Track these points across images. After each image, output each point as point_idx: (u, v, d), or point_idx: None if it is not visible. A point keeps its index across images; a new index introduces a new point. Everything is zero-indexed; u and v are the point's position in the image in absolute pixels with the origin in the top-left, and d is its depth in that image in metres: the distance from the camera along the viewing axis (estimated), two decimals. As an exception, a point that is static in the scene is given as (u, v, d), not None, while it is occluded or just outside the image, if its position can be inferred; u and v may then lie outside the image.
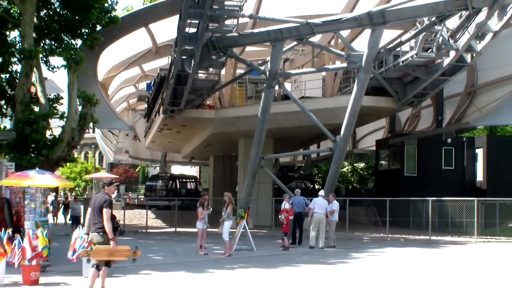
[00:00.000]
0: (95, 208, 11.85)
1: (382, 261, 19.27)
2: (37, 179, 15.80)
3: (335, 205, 24.24)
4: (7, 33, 25.82)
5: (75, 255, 14.68)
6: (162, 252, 21.78)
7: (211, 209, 22.03)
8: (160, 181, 58.11)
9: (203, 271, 16.12)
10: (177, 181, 55.73)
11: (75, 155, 38.33)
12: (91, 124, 27.80)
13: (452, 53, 28.64)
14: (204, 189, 52.58)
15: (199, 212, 20.99)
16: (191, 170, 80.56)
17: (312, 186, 47.36)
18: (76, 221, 30.86)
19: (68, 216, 38.51)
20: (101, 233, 11.67)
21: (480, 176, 37.93)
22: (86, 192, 76.11)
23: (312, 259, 19.52)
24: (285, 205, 23.94)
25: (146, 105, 49.44)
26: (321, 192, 24.52)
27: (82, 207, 31.90)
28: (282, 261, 18.93)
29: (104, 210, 11.63)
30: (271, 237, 28.08)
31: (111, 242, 11.57)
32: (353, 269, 17.03)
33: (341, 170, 44.35)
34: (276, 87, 31.69)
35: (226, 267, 17.23)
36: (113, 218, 29.90)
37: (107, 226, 11.58)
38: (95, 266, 11.74)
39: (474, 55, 28.98)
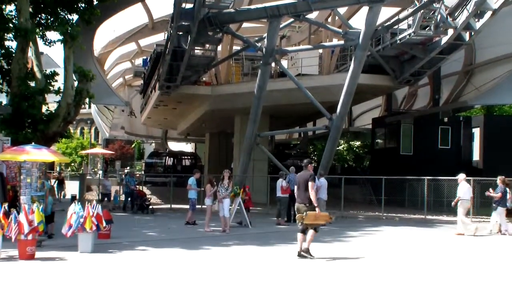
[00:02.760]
0: (302, 183, 14.28)
1: (379, 240, 19.31)
2: (33, 153, 15.80)
3: (321, 182, 24.07)
4: (3, 7, 25.56)
5: (71, 230, 14.70)
6: (157, 228, 21.82)
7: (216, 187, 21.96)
8: (160, 157, 58.45)
9: (198, 248, 16.15)
10: (177, 158, 56.09)
11: (71, 131, 38.25)
12: (87, 100, 27.69)
13: (450, 31, 28.52)
14: (197, 166, 52.65)
15: (207, 189, 21.24)
16: (187, 147, 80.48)
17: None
18: (105, 197, 31.04)
19: (62, 193, 38.44)
20: (308, 204, 14.08)
21: (476, 155, 37.93)
22: (82, 168, 75.95)
23: (307, 237, 19.52)
24: (282, 182, 23.93)
25: (142, 81, 49.26)
26: None
27: (110, 183, 32.02)
28: (277, 238, 18.98)
29: (309, 183, 14.05)
30: (266, 215, 28.13)
31: (316, 209, 14.07)
32: (350, 248, 17.05)
33: (337, 148, 44.35)
34: (273, 64, 31.58)
35: (222, 243, 17.25)
36: (143, 195, 29.69)
37: (312, 195, 13.97)
38: (301, 230, 14.26)
39: (472, 33, 28.86)
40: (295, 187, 14.91)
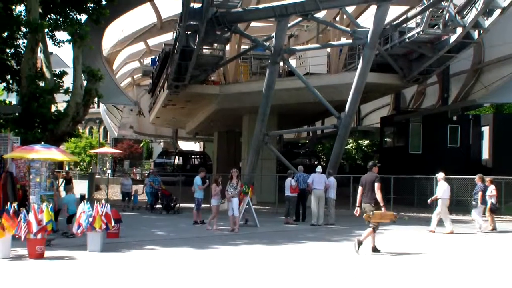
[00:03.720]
0: (368, 184, 15.21)
1: (388, 239, 19.23)
2: (42, 152, 15.86)
3: (330, 181, 24.12)
4: (13, 7, 25.69)
5: (80, 229, 14.75)
6: (166, 227, 21.85)
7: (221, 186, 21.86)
8: (170, 157, 58.69)
9: (207, 247, 16.16)
10: (187, 157, 56.30)
11: (80, 130, 38.37)
12: (95, 99, 27.75)
13: (459, 30, 28.41)
14: (207, 165, 52.68)
15: (213, 188, 21.17)
16: (195, 146, 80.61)
17: (317, 163, 47.34)
18: (127, 196, 30.57)
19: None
20: (373, 203, 15.04)
21: (485, 154, 37.78)
22: (90, 167, 76.12)
23: (316, 236, 19.54)
24: (291, 181, 23.90)
25: (150, 81, 49.37)
26: (318, 168, 24.40)
27: (131, 182, 31.53)
28: (286, 237, 18.95)
29: (376, 184, 15.03)
30: (275, 214, 28.12)
31: (382, 208, 15.10)
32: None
33: (346, 147, 44.33)
34: (281, 63, 31.57)
35: (230, 243, 17.26)
36: (168, 195, 28.97)
37: (379, 196, 14.96)
38: (372, 227, 15.12)
39: (481, 31, 28.74)
40: (360, 188, 15.56)
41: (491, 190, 22.17)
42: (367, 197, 15.18)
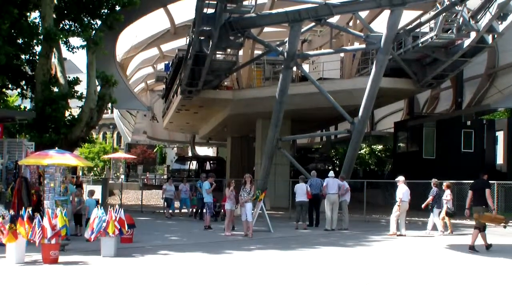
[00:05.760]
0: (478, 190, 16.57)
1: (402, 244, 19.17)
2: (56, 158, 15.92)
3: (345, 185, 24.10)
4: (28, 14, 25.91)
5: (93, 235, 14.79)
6: (179, 232, 21.88)
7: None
8: (187, 162, 58.84)
9: (220, 252, 16.14)
10: (204, 162, 56.45)
11: (94, 135, 38.54)
12: (109, 105, 27.89)
13: (473, 34, 28.30)
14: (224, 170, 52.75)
15: (226, 192, 21.20)
16: (208, 151, 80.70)
17: (331, 168, 47.23)
18: (169, 202, 29.48)
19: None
20: (484, 206, 16.50)
21: (500, 159, 37.55)
22: (104, 172, 76.41)
23: (330, 241, 19.48)
24: (308, 187, 23.85)
25: (164, 86, 49.54)
26: (331, 173, 24.36)
27: (174, 188, 30.34)
28: (299, 243, 18.91)
29: (486, 189, 16.45)
30: (288, 219, 28.07)
31: (493, 211, 17.07)
32: (373, 252, 16.96)
33: (359, 152, 44.20)
34: (294, 68, 31.57)
35: (244, 248, 17.23)
36: (214, 201, 27.80)
37: (489, 200, 16.51)
38: (477, 228, 16.40)
39: (495, 36, 28.62)
40: (470, 192, 16.87)
41: (447, 194, 22.41)
42: (478, 201, 16.51)
